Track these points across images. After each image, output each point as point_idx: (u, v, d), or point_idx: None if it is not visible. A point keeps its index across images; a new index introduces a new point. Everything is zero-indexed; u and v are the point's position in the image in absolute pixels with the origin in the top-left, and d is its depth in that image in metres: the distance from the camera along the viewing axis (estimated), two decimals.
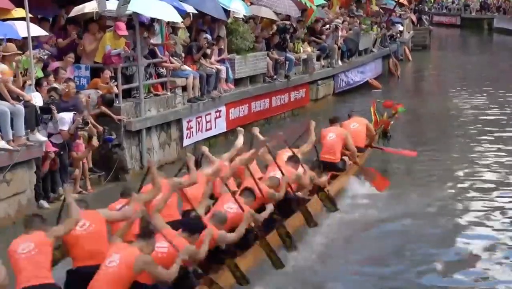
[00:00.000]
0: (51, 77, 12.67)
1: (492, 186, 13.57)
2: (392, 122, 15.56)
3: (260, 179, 10.05)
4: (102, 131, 13.17)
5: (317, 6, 22.63)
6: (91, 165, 13.06)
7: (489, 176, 14.31)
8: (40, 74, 12.40)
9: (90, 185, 12.74)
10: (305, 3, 20.93)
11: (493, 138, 17.85)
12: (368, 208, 11.71)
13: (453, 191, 13.25)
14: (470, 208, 12.28)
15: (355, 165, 12.82)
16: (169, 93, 15.34)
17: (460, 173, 14.50)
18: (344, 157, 12.70)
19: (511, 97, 23.45)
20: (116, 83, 13.75)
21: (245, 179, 9.87)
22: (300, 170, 10.69)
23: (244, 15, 18.80)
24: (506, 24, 50.85)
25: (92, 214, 7.47)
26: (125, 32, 14.20)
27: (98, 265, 6.84)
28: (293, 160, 10.76)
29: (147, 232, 7.20)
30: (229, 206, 8.92)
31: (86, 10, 14.34)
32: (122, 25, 14.16)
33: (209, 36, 16.64)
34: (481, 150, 16.64)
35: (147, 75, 14.81)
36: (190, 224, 7.92)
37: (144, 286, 6.96)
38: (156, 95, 15.07)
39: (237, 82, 18.25)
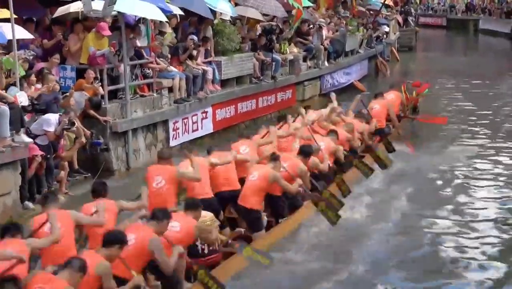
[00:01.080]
0: (33, 77, 12.55)
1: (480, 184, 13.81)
2: (420, 99, 18.45)
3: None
4: (90, 136, 13.14)
5: (307, 7, 22.69)
6: (76, 166, 13.01)
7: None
8: (22, 73, 12.30)
9: (76, 186, 12.69)
10: (292, 4, 20.94)
11: (478, 135, 18.18)
12: None
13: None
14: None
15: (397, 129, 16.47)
16: (155, 94, 15.30)
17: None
18: (388, 123, 16.31)
19: (496, 98, 23.57)
20: (100, 84, 13.69)
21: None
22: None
23: (230, 16, 18.77)
24: (491, 25, 51.08)
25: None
26: (108, 32, 14.13)
27: None
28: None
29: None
30: None
31: (71, 10, 14.24)
32: (104, 25, 14.09)
33: (195, 37, 16.60)
34: (463, 147, 16.95)
35: (133, 76, 14.76)
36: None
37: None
38: (142, 96, 15.03)
39: (224, 83, 18.21)
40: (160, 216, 7.78)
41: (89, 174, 13.16)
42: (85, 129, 12.99)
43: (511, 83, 27.42)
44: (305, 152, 11.33)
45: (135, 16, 14.98)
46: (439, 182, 13.86)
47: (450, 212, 12.23)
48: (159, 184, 9.52)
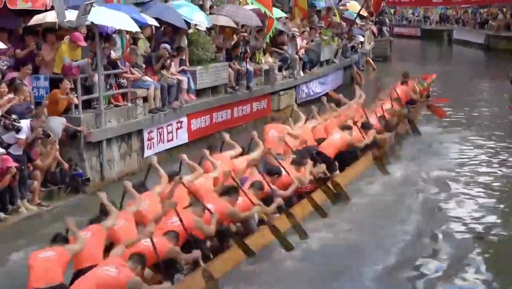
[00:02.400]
0: (4, 88, 12.44)
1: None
2: (430, 88, 21.67)
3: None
4: (69, 168, 13.08)
5: (278, 18, 22.72)
6: (49, 177, 12.92)
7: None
8: None
9: (49, 197, 12.60)
10: (265, 12, 20.99)
11: (453, 142, 18.36)
12: None
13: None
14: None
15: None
16: (129, 104, 15.24)
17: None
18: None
19: (471, 106, 23.76)
20: (76, 94, 13.61)
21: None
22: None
23: (206, 27, 18.79)
24: (465, 36, 51.45)
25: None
26: (84, 43, 14.06)
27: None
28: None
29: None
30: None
31: (48, 20, 14.09)
32: (79, 35, 14.01)
33: (167, 46, 16.55)
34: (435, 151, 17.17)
35: (108, 86, 14.70)
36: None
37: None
38: (116, 106, 14.96)
39: (199, 93, 18.19)
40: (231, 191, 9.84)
41: (63, 185, 13.07)
42: (63, 162, 12.99)
43: (485, 92, 27.65)
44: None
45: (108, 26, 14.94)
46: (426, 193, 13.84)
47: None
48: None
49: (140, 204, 9.43)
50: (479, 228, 11.93)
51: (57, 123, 13.17)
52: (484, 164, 16.17)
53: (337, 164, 13.39)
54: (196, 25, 18.58)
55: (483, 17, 50.70)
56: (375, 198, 13.32)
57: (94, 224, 8.49)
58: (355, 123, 14.81)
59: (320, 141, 13.87)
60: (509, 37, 43.53)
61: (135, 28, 14.81)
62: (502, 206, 13.14)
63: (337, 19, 30.31)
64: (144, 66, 15.95)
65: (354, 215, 12.23)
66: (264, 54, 21.93)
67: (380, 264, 10.16)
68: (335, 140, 13.70)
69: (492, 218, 12.37)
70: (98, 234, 8.26)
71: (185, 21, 17.78)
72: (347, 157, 13.87)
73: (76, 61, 13.82)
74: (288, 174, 11.53)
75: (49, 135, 12.24)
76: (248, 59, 20.23)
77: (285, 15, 25.59)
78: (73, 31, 14.08)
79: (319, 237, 11.09)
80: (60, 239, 7.94)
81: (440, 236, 11.44)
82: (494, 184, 14.45)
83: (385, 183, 14.19)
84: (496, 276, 9.79)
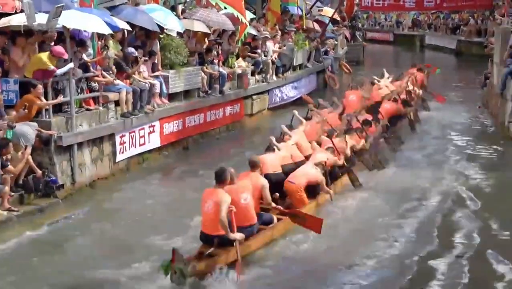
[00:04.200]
0: None
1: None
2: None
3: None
4: (42, 174, 12.97)
5: (251, 20, 22.73)
6: (21, 181, 12.79)
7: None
8: None
9: (20, 201, 12.48)
10: (238, 16, 20.99)
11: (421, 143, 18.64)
12: None
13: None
14: None
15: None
16: (101, 108, 15.15)
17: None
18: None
19: (443, 109, 23.93)
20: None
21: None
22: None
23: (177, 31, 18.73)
24: (437, 41, 51.76)
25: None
26: (66, 56, 13.88)
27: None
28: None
29: None
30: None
31: (13, 23, 13.88)
32: (60, 50, 13.78)
33: (134, 51, 16.42)
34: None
35: (79, 90, 14.59)
36: None
37: None
38: (88, 110, 14.86)
39: (172, 97, 18.13)
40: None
41: (34, 190, 12.95)
42: (37, 168, 12.88)
43: (457, 96, 27.84)
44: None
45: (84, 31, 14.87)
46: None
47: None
48: None
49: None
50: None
51: (30, 129, 13.04)
52: (456, 168, 16.30)
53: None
54: (169, 30, 18.50)
55: (455, 22, 51.01)
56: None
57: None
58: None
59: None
60: (480, 42, 43.76)
61: (107, 30, 14.75)
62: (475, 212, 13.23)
63: (309, 23, 30.30)
64: (115, 69, 15.80)
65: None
66: (237, 58, 21.92)
67: None
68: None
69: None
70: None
71: (159, 25, 17.73)
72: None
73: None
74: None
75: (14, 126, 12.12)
76: (221, 63, 20.21)
77: (255, 17, 25.64)
78: (46, 37, 13.94)
79: None
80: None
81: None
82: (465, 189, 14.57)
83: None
84: None
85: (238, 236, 10.00)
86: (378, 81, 21.81)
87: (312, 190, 12.73)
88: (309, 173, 12.75)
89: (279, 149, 13.46)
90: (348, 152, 14.89)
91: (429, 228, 12.15)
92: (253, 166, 11.52)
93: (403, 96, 21.08)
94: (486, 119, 22.44)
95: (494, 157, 17.47)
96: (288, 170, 12.85)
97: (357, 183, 14.32)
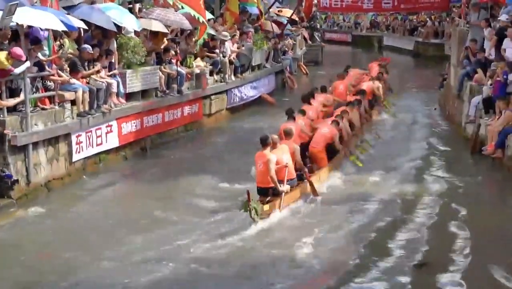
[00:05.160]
0: None
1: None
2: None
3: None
4: None
5: (208, 20, 22.65)
6: None
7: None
8: None
9: None
10: (198, 18, 20.92)
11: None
12: None
13: None
14: None
15: None
16: (57, 107, 14.92)
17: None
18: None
19: (401, 110, 24.11)
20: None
21: None
22: None
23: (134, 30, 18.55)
24: (395, 42, 52.25)
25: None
26: (24, 58, 13.63)
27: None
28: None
29: None
30: None
31: None
32: (19, 53, 13.53)
33: (90, 48, 16.24)
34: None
35: (34, 89, 14.35)
36: None
37: None
38: (43, 109, 14.62)
39: (129, 96, 17.96)
40: None
41: None
42: None
43: (415, 97, 28.09)
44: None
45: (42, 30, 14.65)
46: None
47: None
48: None
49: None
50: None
51: None
52: (410, 171, 16.38)
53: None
54: (125, 29, 18.31)
55: (412, 24, 51.54)
56: None
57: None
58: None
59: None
60: (437, 44, 44.36)
61: (61, 27, 14.54)
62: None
63: (267, 24, 30.32)
64: (68, 68, 15.57)
65: None
66: (195, 58, 21.81)
67: None
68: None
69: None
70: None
71: (115, 24, 17.55)
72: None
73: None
74: None
75: None
76: (179, 63, 20.08)
77: (213, 17, 25.57)
78: (0, 35, 13.72)
79: None
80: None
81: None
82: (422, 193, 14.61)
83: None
84: None
85: (285, 188, 12.69)
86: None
87: (331, 150, 15.45)
88: (325, 133, 15.42)
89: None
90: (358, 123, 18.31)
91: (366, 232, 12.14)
92: (288, 134, 13.92)
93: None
94: (443, 120, 22.64)
95: (450, 158, 17.59)
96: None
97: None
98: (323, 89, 20.01)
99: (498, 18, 20.12)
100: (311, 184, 13.69)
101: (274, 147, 12.92)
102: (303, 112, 16.29)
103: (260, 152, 12.75)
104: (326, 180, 14.78)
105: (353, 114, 18.14)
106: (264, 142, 12.76)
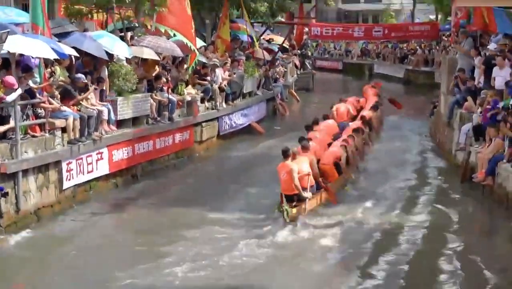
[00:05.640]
0: None
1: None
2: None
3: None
4: None
5: (199, 47, 22.75)
6: None
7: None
8: None
9: None
10: (190, 47, 21.02)
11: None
12: None
13: None
14: None
15: None
16: (47, 134, 14.89)
17: None
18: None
19: (392, 136, 24.20)
20: None
21: None
22: None
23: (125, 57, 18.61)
24: (385, 70, 52.40)
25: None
26: (16, 86, 13.64)
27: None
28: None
29: None
30: None
31: None
32: (12, 81, 13.59)
33: (82, 76, 16.27)
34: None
35: (24, 116, 14.33)
36: None
37: None
38: (34, 136, 14.59)
39: (120, 123, 17.95)
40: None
41: None
42: None
43: (405, 124, 28.19)
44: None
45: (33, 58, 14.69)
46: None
47: None
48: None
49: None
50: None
51: None
52: (401, 199, 16.42)
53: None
54: (117, 56, 18.38)
55: (403, 52, 51.78)
56: None
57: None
58: None
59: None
60: (427, 71, 44.55)
61: (52, 55, 14.57)
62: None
63: (258, 52, 30.46)
64: (59, 95, 15.57)
65: None
66: (187, 85, 21.86)
67: None
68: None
69: None
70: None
71: (107, 52, 17.60)
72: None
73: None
74: None
75: None
76: (170, 90, 20.11)
77: (205, 44, 25.67)
78: None
79: None
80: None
81: None
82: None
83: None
84: None
85: (308, 194, 14.26)
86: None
87: (338, 167, 16.55)
88: (334, 151, 16.94)
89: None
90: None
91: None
92: (305, 147, 15.50)
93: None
94: (433, 147, 22.69)
95: (440, 186, 17.62)
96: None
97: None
98: (325, 117, 20.94)
99: (488, 47, 20.30)
100: (329, 191, 15.29)
101: (294, 158, 14.48)
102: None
103: (282, 162, 14.38)
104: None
105: (358, 140, 19.14)
106: (286, 154, 14.44)
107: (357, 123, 21.01)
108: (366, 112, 23.76)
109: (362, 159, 19.54)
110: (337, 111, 23.20)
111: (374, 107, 24.87)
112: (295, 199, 14.17)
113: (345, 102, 24.70)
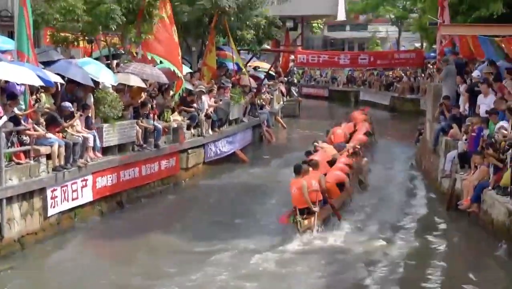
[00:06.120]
0: None
1: None
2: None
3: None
4: None
5: (185, 74, 22.79)
6: None
7: None
8: None
9: None
10: (177, 74, 21.07)
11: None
12: None
13: None
14: None
15: None
16: (32, 161, 14.81)
17: None
18: None
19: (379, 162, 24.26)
20: None
21: None
22: None
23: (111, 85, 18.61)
24: (371, 97, 52.61)
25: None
26: (2, 114, 13.60)
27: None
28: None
29: None
30: None
31: None
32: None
33: (70, 105, 16.24)
34: None
35: (9, 143, 14.26)
36: None
37: None
38: (18, 163, 14.50)
39: (106, 150, 17.90)
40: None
41: None
42: None
43: (391, 151, 28.28)
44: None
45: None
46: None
47: None
48: None
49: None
50: None
51: None
52: (386, 226, 16.39)
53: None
54: (102, 83, 18.38)
55: (388, 79, 52.07)
56: None
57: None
58: None
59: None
60: (413, 99, 44.81)
61: (38, 82, 14.54)
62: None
63: (244, 79, 30.53)
64: (44, 122, 15.53)
65: None
66: (173, 112, 21.85)
67: None
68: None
69: None
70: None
71: (92, 79, 17.59)
72: None
73: None
74: None
75: None
76: (156, 117, 20.10)
77: (191, 70, 25.72)
78: None
79: None
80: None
81: None
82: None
83: None
84: None
85: (317, 209, 15.21)
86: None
87: (340, 185, 17.64)
88: (338, 175, 17.89)
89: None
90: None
91: None
92: (315, 165, 16.52)
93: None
94: (419, 175, 22.72)
95: (426, 213, 17.61)
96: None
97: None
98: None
99: (472, 74, 20.44)
100: (334, 208, 16.17)
101: (305, 174, 15.53)
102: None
103: (294, 178, 15.54)
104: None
105: (359, 160, 20.86)
106: (298, 170, 15.61)
107: (354, 144, 22.68)
108: (360, 136, 25.42)
109: (366, 176, 20.71)
110: (334, 134, 24.70)
111: (367, 134, 26.62)
112: (305, 212, 15.14)
113: (339, 126, 26.55)
